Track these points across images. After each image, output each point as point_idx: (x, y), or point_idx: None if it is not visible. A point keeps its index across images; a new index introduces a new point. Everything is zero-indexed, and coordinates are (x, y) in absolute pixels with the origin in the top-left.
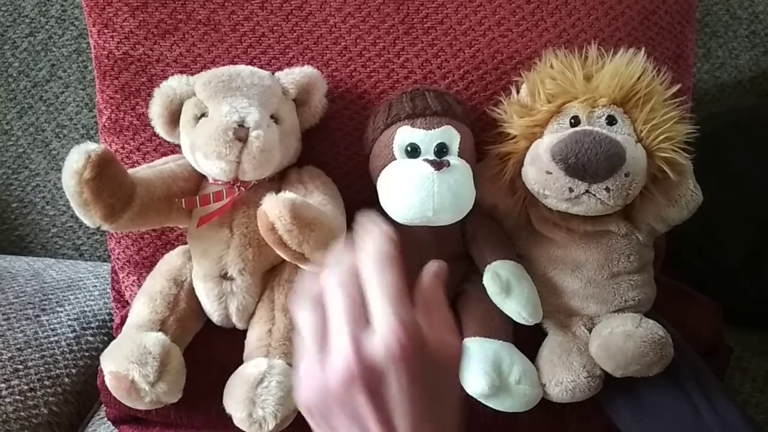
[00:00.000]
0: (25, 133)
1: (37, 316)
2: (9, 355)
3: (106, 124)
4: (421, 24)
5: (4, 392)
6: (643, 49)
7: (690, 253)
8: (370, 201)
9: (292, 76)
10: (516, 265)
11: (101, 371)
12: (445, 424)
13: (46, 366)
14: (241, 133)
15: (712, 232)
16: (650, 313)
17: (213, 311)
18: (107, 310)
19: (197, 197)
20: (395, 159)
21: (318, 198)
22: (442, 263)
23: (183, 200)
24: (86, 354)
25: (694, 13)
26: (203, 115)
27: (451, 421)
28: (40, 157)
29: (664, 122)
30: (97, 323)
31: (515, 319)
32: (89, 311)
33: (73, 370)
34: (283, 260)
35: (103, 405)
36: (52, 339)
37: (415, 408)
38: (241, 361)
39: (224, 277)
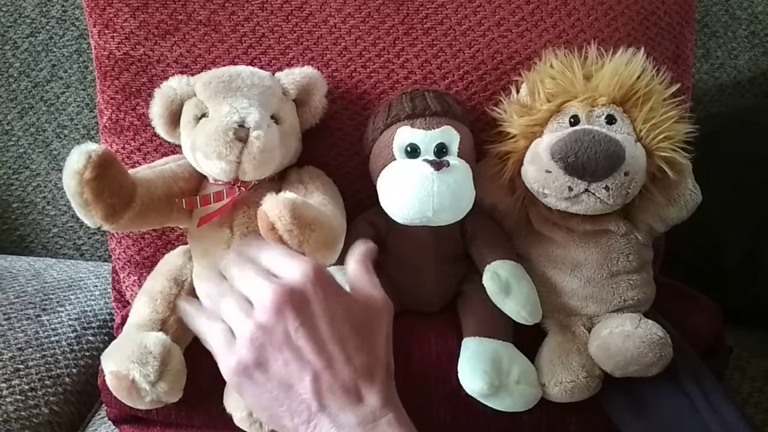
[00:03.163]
0: (25, 134)
1: (38, 315)
2: (10, 354)
3: (107, 124)
4: (421, 25)
5: (4, 392)
6: (642, 49)
7: (689, 253)
8: (370, 201)
9: (293, 76)
10: (515, 265)
11: (102, 371)
12: (377, 361)
13: (47, 366)
14: (241, 134)
15: (711, 231)
16: (649, 313)
17: None
18: (108, 310)
19: (197, 197)
20: (395, 159)
21: (318, 198)
22: (371, 244)
23: (183, 200)
24: (87, 354)
25: (693, 13)
26: (204, 115)
27: (384, 360)
28: (41, 157)
29: (663, 121)
30: (97, 323)
31: (515, 318)
32: (90, 311)
33: (74, 370)
34: None
35: (103, 404)
36: (52, 339)
37: (343, 332)
38: None
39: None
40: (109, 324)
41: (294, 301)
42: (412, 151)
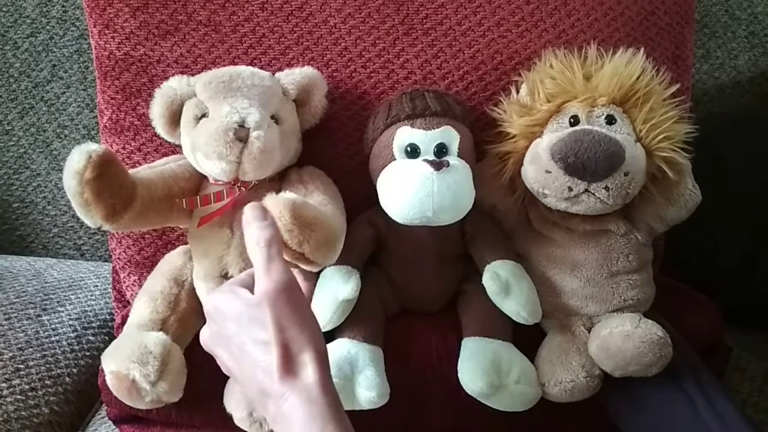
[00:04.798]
0: (26, 134)
1: (39, 315)
2: (10, 354)
3: (107, 124)
4: (421, 25)
5: (5, 391)
6: (642, 50)
7: (688, 253)
8: (370, 201)
9: (293, 76)
10: (515, 265)
11: (102, 371)
12: (316, 332)
13: (48, 365)
14: (241, 134)
15: (710, 231)
16: (649, 312)
17: None
18: (108, 310)
19: (198, 197)
20: (395, 159)
21: (318, 198)
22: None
23: (184, 200)
24: (87, 353)
25: (693, 13)
26: (204, 115)
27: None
28: (41, 157)
29: (663, 122)
30: (98, 323)
31: (514, 318)
32: (90, 311)
33: (74, 370)
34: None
35: (104, 404)
36: (53, 338)
37: (299, 318)
38: None
39: (225, 277)
40: (110, 324)
41: (273, 301)
42: (412, 151)
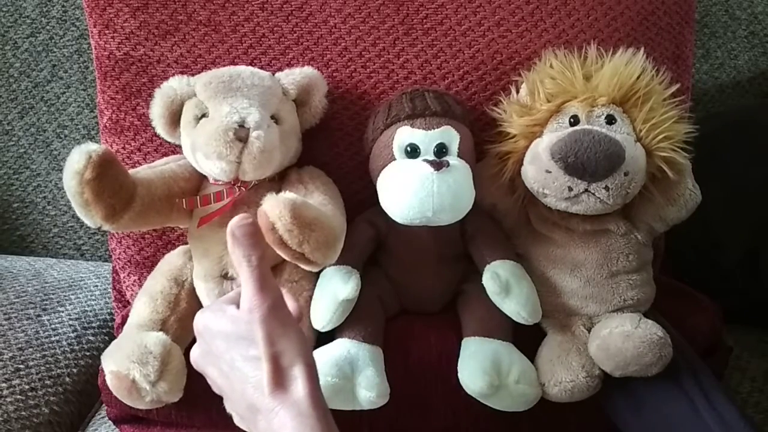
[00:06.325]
0: (26, 134)
1: (39, 315)
2: (10, 354)
3: (107, 124)
4: (421, 25)
5: (5, 391)
6: (642, 49)
7: (689, 253)
8: (370, 201)
9: (293, 76)
10: (515, 265)
11: (102, 371)
12: (305, 346)
13: (47, 365)
14: (241, 134)
15: (710, 231)
16: (649, 312)
17: None
18: (108, 310)
19: (198, 197)
20: (395, 159)
21: (318, 198)
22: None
23: (184, 200)
24: (87, 353)
25: (693, 13)
26: (204, 115)
27: (307, 347)
28: (41, 157)
29: (663, 122)
30: (98, 323)
31: (514, 318)
32: (90, 311)
33: (74, 370)
34: (284, 260)
35: (104, 404)
36: (53, 338)
37: (288, 332)
38: None
39: (225, 277)
40: (110, 324)
41: (264, 318)
42: (412, 151)
